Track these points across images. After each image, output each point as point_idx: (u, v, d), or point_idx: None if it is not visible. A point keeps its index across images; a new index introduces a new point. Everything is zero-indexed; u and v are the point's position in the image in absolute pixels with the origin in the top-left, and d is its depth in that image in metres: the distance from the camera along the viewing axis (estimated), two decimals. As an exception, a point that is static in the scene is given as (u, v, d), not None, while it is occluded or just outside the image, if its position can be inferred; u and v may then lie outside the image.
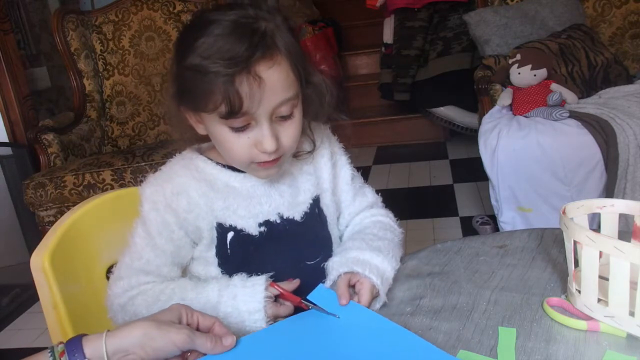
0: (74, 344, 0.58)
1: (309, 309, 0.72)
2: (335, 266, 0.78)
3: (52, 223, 1.59)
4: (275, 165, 0.77)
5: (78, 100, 2.76)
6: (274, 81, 0.69)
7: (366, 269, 0.75)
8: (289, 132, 0.75)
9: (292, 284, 0.76)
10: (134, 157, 2.31)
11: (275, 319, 0.74)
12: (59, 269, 0.80)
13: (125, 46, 2.82)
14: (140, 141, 2.79)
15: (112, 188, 2.23)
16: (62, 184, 2.28)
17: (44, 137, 2.46)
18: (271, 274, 0.76)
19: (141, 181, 0.80)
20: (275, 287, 0.75)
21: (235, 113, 0.69)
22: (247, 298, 0.73)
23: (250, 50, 0.67)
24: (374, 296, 0.75)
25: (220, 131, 0.73)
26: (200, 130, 0.78)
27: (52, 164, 2.46)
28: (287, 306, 0.75)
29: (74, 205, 0.93)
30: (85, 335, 0.60)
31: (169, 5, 2.81)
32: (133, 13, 2.81)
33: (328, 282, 0.77)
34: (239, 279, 0.76)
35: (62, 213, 1.77)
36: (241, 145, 0.73)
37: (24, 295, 2.32)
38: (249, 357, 0.64)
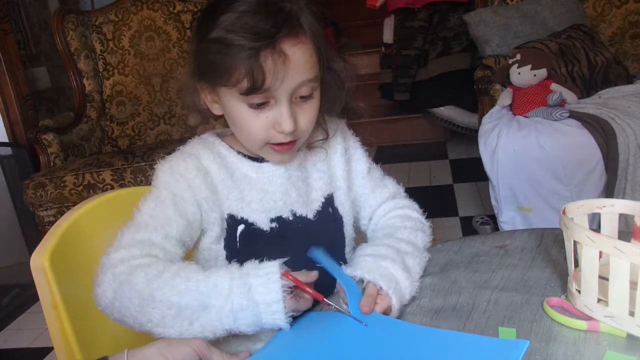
0: None
1: (332, 309, 0.70)
2: (363, 265, 0.74)
3: (52, 223, 1.58)
4: (290, 150, 0.76)
5: (78, 100, 2.76)
6: (298, 59, 0.70)
7: (391, 288, 0.71)
8: (307, 114, 0.75)
9: (310, 276, 0.71)
10: (134, 157, 2.30)
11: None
12: (59, 269, 0.79)
13: (125, 46, 2.81)
14: (140, 141, 2.79)
15: (112, 188, 2.23)
16: (62, 184, 2.28)
17: (44, 137, 2.46)
18: (285, 259, 0.70)
19: (141, 181, 0.80)
20: (290, 278, 0.68)
21: (258, 89, 0.69)
22: (262, 289, 0.67)
23: (277, 27, 0.68)
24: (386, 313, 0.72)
25: (238, 109, 0.73)
26: (216, 110, 0.78)
27: (52, 164, 2.46)
28: (306, 299, 0.71)
29: (74, 205, 0.93)
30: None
31: (169, 5, 2.81)
32: (133, 13, 2.81)
33: (347, 270, 0.74)
34: (251, 267, 0.69)
35: (62, 213, 1.77)
36: (258, 125, 0.73)
37: (24, 295, 2.32)
38: None
